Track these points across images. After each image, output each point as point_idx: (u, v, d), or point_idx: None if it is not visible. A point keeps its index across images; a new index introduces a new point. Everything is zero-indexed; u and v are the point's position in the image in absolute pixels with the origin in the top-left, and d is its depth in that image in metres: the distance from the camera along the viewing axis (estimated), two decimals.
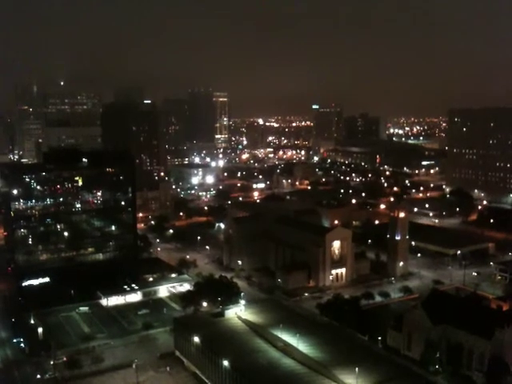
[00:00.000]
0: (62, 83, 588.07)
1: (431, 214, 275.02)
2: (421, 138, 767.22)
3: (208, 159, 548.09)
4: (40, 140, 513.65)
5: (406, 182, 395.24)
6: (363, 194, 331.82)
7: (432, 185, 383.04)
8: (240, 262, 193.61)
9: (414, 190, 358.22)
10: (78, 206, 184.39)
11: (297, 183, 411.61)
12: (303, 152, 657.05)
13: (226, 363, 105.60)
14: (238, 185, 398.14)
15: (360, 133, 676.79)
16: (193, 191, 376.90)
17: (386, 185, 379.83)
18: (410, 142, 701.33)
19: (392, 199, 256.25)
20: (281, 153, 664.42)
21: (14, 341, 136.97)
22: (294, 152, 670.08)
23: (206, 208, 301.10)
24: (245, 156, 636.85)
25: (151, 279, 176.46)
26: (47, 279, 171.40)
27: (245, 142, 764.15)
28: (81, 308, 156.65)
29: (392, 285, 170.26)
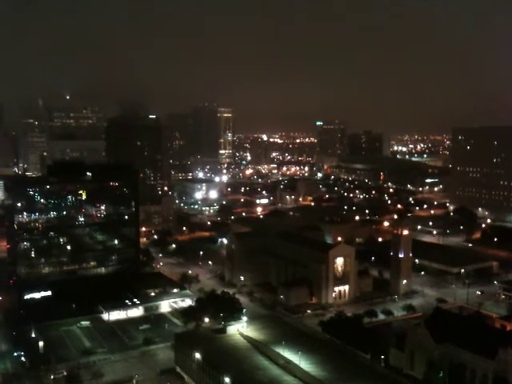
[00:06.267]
0: (67, 97, 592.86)
1: (435, 232, 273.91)
2: (424, 155, 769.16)
3: (212, 174, 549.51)
4: (44, 153, 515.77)
5: (410, 199, 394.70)
6: (366, 211, 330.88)
7: (435, 202, 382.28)
8: (242, 278, 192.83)
9: (417, 208, 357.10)
10: (81, 219, 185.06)
11: (300, 199, 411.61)
12: (307, 168, 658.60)
13: (227, 380, 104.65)
14: (242, 200, 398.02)
15: (363, 150, 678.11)
16: (196, 206, 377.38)
17: (389, 202, 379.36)
18: (413, 159, 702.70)
19: (395, 216, 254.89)
20: (284, 169, 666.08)
21: (15, 354, 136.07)
22: (298, 168, 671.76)
23: (208, 223, 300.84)
24: (248, 171, 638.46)
25: (153, 294, 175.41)
26: (49, 292, 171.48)
27: (248, 158, 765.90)
28: (82, 322, 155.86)
29: (395, 303, 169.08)
